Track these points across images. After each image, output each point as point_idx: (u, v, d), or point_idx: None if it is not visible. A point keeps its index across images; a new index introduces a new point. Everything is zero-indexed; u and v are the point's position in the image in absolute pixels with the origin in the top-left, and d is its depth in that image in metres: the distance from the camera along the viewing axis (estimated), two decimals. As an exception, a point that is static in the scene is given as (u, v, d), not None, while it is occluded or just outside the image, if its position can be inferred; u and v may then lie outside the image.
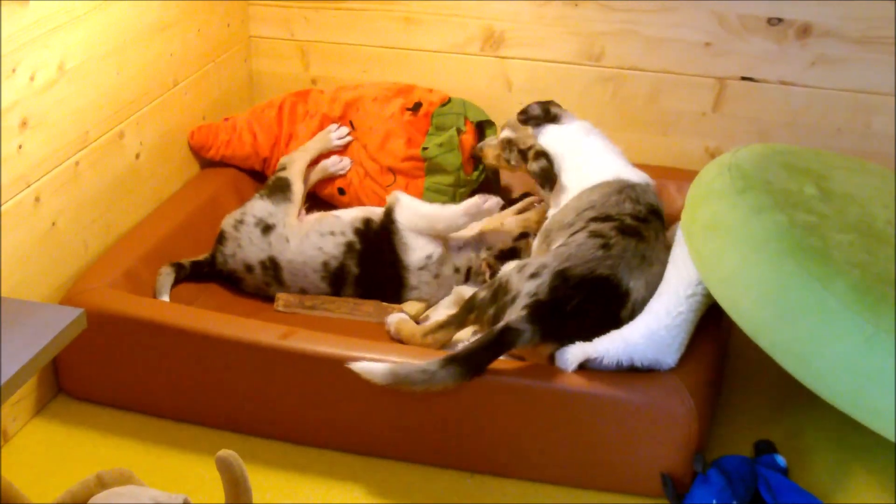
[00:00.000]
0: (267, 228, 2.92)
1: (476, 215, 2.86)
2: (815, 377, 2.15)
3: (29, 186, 2.55)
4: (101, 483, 2.07)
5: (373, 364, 2.36)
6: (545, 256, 2.53)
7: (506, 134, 2.96)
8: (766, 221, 2.27)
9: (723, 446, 2.53)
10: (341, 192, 3.20)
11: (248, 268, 2.93)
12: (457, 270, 2.89)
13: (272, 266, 2.91)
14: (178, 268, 2.87)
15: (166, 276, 2.83)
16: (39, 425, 2.61)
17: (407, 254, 2.87)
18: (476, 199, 2.86)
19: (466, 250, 2.90)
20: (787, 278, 2.18)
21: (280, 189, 3.00)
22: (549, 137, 2.88)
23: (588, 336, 2.41)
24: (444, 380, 2.32)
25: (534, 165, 2.84)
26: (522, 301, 2.43)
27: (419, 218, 2.87)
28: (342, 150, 3.21)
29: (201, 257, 2.95)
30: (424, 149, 3.10)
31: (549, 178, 2.82)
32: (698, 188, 2.50)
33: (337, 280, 2.90)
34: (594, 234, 2.54)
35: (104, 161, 2.82)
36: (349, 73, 3.44)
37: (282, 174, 3.04)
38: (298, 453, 2.52)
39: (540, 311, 2.40)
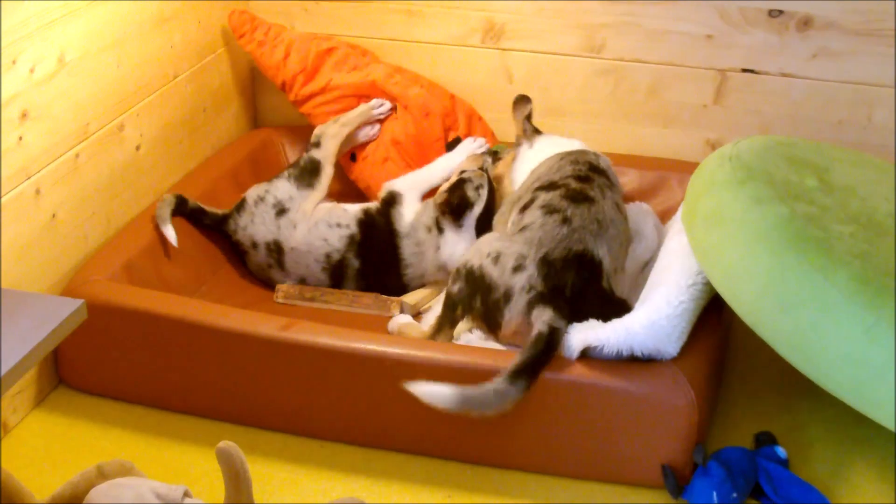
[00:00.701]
0: (281, 211, 2.94)
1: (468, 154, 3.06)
2: (815, 368, 2.15)
3: (29, 178, 2.55)
4: (102, 474, 2.07)
5: (438, 387, 2.26)
6: (515, 244, 2.52)
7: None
8: (767, 212, 2.27)
9: (723, 438, 2.53)
10: (353, 157, 3.20)
11: (254, 245, 2.94)
12: (428, 230, 2.92)
13: (276, 249, 2.92)
14: (180, 201, 2.91)
15: (167, 205, 2.87)
16: (40, 417, 2.61)
17: (400, 222, 2.93)
18: (467, 141, 3.08)
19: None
20: (788, 269, 2.18)
21: (309, 173, 2.99)
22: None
23: (588, 316, 2.43)
24: (514, 396, 2.28)
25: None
26: (521, 297, 2.44)
27: (418, 179, 3.03)
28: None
29: (211, 210, 2.98)
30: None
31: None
32: (699, 180, 2.50)
33: (337, 273, 2.91)
34: (549, 210, 2.56)
35: (104, 153, 2.82)
36: (350, 66, 3.44)
37: (315, 154, 3.02)
38: (298, 445, 2.52)
39: (549, 300, 2.41)
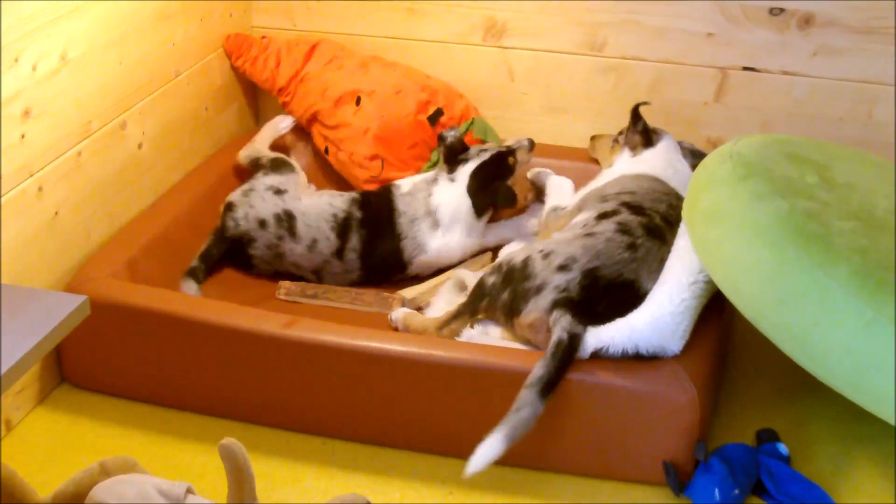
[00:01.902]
0: (279, 192, 2.98)
1: None
2: (815, 362, 2.16)
3: (32, 176, 2.55)
4: (105, 471, 2.08)
5: (484, 448, 2.23)
6: (572, 246, 2.53)
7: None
8: (768, 208, 2.28)
9: (725, 435, 2.53)
10: (326, 151, 3.24)
11: (262, 223, 2.95)
12: (423, 184, 3.01)
13: (286, 217, 2.95)
14: (193, 274, 2.88)
15: (191, 286, 2.85)
16: (43, 414, 2.61)
17: (398, 190, 3.02)
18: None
19: None
20: (788, 264, 2.19)
21: (280, 163, 3.08)
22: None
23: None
24: (543, 406, 2.30)
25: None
26: (551, 294, 2.45)
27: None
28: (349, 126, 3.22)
29: (203, 246, 2.96)
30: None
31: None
32: (700, 176, 2.50)
33: (344, 230, 2.95)
34: (622, 229, 2.56)
35: (106, 151, 2.82)
36: (351, 64, 3.45)
37: (270, 156, 3.12)
38: (301, 442, 2.53)
39: (576, 309, 2.42)
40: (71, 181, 2.69)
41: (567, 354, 2.34)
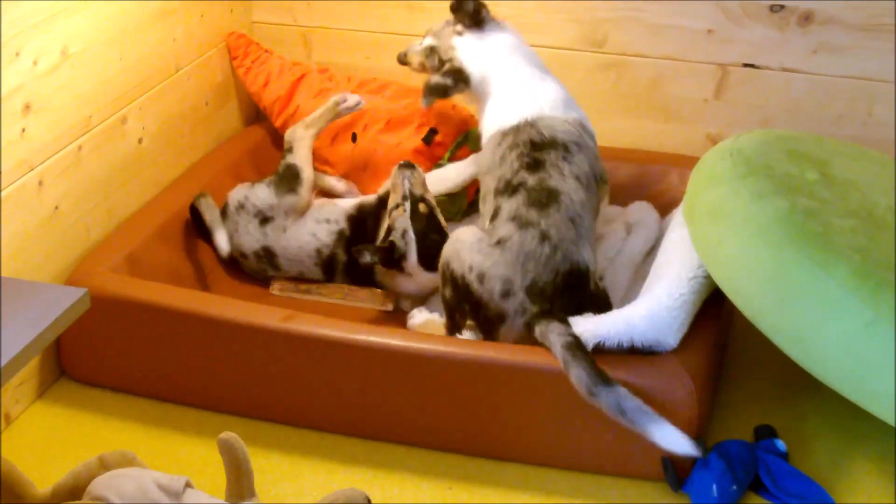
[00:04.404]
0: (265, 220, 2.92)
1: None
2: (814, 361, 2.16)
3: (32, 170, 2.55)
4: (104, 465, 2.08)
5: (675, 432, 2.21)
6: (498, 265, 2.47)
7: (429, 41, 2.92)
8: (768, 206, 2.28)
9: (723, 431, 2.53)
10: (354, 138, 3.18)
11: (243, 255, 2.94)
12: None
13: (266, 255, 2.92)
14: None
15: (213, 207, 2.92)
16: (42, 408, 2.62)
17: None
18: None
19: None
20: (788, 263, 2.19)
21: (288, 179, 2.94)
22: (467, 51, 2.82)
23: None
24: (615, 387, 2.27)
25: (434, 79, 2.80)
26: (517, 320, 2.46)
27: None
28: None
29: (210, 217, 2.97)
30: None
31: (439, 95, 2.80)
32: (700, 174, 2.50)
33: (329, 268, 2.92)
34: (521, 223, 2.50)
35: (107, 146, 2.82)
36: (352, 60, 3.44)
37: (290, 160, 2.96)
38: (300, 436, 2.53)
39: (549, 315, 2.42)
40: (71, 176, 2.69)
41: (581, 347, 2.32)
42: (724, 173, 2.42)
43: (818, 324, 2.15)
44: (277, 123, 3.32)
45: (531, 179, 2.57)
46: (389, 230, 2.77)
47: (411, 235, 2.75)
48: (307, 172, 2.96)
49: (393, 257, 2.76)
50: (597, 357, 2.34)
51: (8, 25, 2.40)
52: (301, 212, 2.93)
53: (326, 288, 2.91)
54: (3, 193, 2.46)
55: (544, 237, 2.49)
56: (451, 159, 3.07)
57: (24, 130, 2.50)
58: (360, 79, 3.33)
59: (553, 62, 3.26)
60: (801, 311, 2.17)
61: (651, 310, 2.38)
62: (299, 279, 2.94)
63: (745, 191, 2.34)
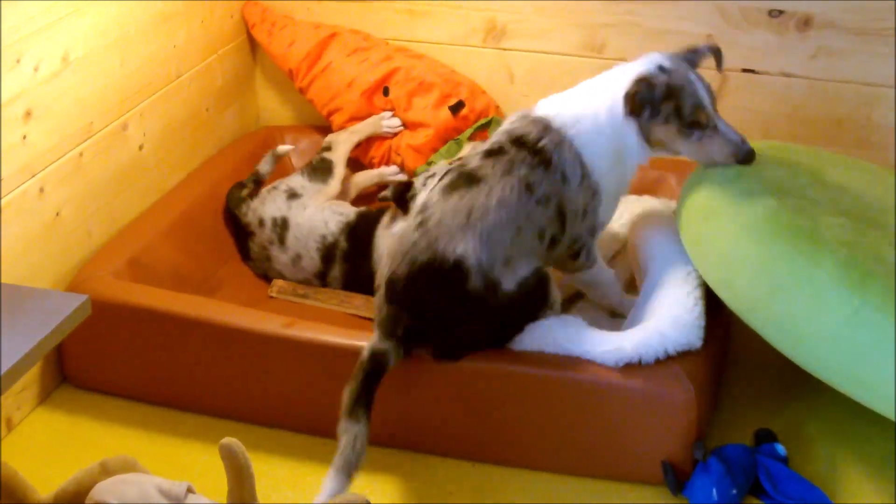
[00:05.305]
0: (293, 196, 3.01)
1: None
2: (804, 353, 2.19)
3: (33, 176, 2.56)
4: (106, 470, 2.08)
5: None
6: (383, 258, 2.44)
7: None
8: (757, 205, 2.33)
9: (723, 434, 2.53)
10: (385, 92, 3.26)
11: (261, 222, 2.99)
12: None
13: (281, 224, 2.97)
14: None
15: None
16: (44, 414, 2.62)
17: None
18: None
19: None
20: (777, 256, 2.24)
21: (322, 170, 3.09)
22: None
23: (466, 324, 2.37)
24: (364, 431, 2.28)
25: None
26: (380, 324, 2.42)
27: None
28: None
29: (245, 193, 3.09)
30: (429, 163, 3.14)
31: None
32: (693, 178, 2.56)
33: (328, 257, 2.94)
34: (419, 209, 2.39)
35: (108, 152, 2.83)
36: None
37: (327, 155, 3.12)
38: (302, 442, 2.53)
39: (391, 323, 2.37)
40: (72, 182, 2.70)
41: (369, 373, 2.33)
42: (716, 175, 2.46)
43: (807, 315, 2.18)
44: (303, 83, 3.33)
45: (475, 161, 2.39)
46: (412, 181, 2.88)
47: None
48: (339, 169, 3.10)
49: (405, 195, 2.82)
50: (595, 363, 2.35)
51: (9, 31, 2.41)
52: (327, 197, 3.04)
53: (323, 293, 2.92)
54: (4, 200, 2.47)
55: (421, 223, 2.35)
56: (471, 138, 3.14)
57: (25, 137, 2.51)
58: (395, 46, 3.36)
59: (553, 68, 3.27)
60: (790, 303, 2.20)
61: (675, 315, 2.38)
62: (297, 283, 2.95)
63: (735, 190, 2.39)
